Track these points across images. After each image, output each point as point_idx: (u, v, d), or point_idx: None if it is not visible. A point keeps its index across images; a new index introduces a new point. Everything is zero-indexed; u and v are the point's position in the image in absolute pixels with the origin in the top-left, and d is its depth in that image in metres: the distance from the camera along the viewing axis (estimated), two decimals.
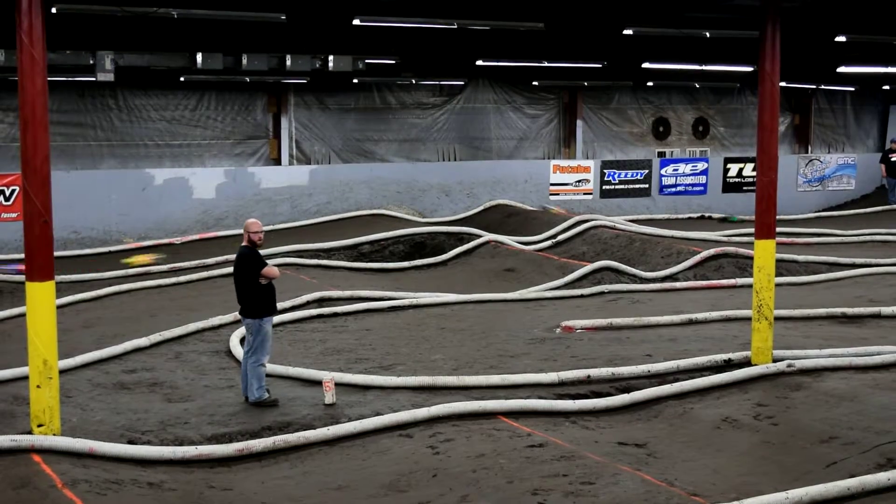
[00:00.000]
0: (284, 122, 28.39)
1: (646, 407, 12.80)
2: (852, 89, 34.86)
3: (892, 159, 32.67)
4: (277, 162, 28.38)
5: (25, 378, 11.82)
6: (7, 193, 24.30)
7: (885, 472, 10.19)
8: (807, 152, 35.11)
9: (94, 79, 23.87)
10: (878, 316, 17.48)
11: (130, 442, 11.38)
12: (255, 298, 13.08)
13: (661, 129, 33.53)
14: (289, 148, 28.46)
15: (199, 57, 24.52)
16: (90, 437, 11.26)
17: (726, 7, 15.24)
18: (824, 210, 33.24)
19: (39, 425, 11.18)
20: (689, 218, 30.41)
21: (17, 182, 23.30)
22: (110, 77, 23.65)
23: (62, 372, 12.29)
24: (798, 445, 11.52)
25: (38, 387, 11.21)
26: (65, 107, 25.35)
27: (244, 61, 25.20)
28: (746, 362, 14.20)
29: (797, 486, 9.81)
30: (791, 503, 9.48)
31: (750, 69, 28.81)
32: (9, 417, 12.28)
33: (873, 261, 22.78)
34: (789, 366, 13.94)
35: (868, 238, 26.41)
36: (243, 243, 13.25)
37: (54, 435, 11.15)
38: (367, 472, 10.76)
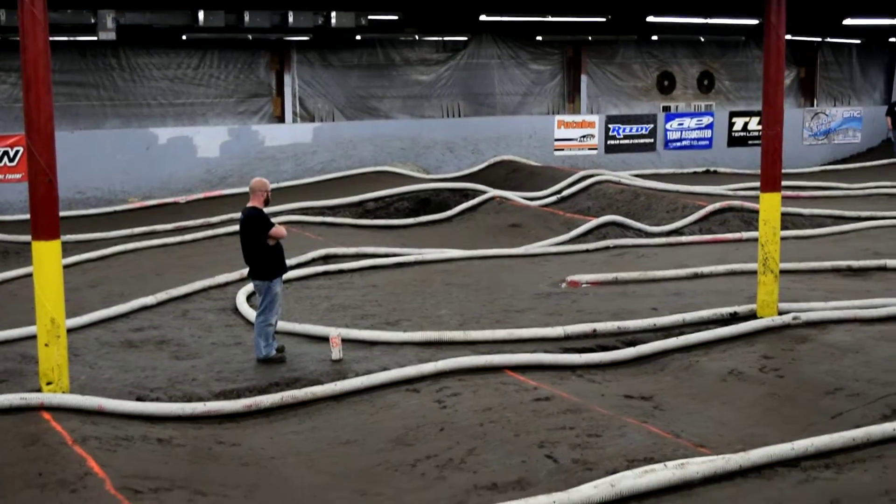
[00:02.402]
0: (287, 80, 28.34)
1: (651, 360, 12.85)
2: (858, 42, 34.72)
3: None
4: (281, 120, 28.37)
5: (33, 337, 11.88)
6: (11, 154, 24.32)
7: (891, 423, 10.24)
8: (812, 106, 35.02)
9: (95, 38, 23.85)
10: (883, 269, 17.49)
11: (139, 399, 11.45)
12: (264, 260, 13.08)
13: (665, 83, 33.45)
14: (292, 106, 28.43)
15: (200, 14, 24.47)
16: (99, 395, 11.34)
17: None
18: (830, 163, 33.17)
19: (48, 383, 11.26)
20: (695, 172, 30.38)
21: (21, 143, 23.33)
22: (112, 36, 23.62)
23: (70, 331, 12.34)
24: (803, 397, 11.57)
25: (46, 345, 11.27)
26: (67, 67, 25.32)
27: (246, 18, 25.15)
28: (752, 315, 14.23)
29: (803, 437, 9.86)
30: (797, 454, 9.54)
31: (755, 22, 28.76)
32: (18, 376, 12.36)
33: (879, 214, 22.79)
34: (795, 318, 13.98)
35: (874, 191, 26.41)
36: (249, 203, 13.17)
37: (63, 393, 11.25)
38: (374, 427, 10.83)
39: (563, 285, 16.89)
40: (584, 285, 16.83)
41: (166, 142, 26.43)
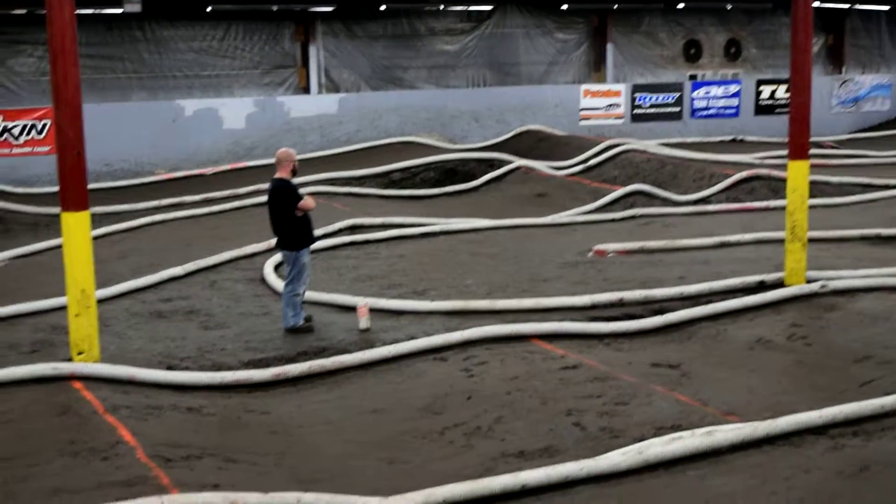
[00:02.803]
0: (313, 51, 28.34)
1: (679, 329, 12.82)
2: (887, 8, 34.44)
3: None
4: (306, 91, 28.39)
5: (64, 308, 11.94)
6: (39, 127, 24.43)
7: None
8: (840, 73, 34.79)
9: (121, 10, 23.89)
10: None
11: (169, 368, 11.54)
12: (292, 230, 13.12)
13: (692, 51, 33.28)
14: (318, 77, 28.44)
15: None
16: (129, 365, 11.42)
17: None
18: (859, 131, 32.98)
19: (79, 353, 11.34)
20: (722, 141, 30.26)
21: (49, 116, 23.42)
22: (137, 8, 23.67)
23: (99, 301, 12.42)
24: (832, 365, 11.55)
25: (76, 315, 11.35)
26: (93, 40, 25.38)
27: None
28: (780, 283, 14.20)
29: (831, 404, 9.84)
30: (825, 422, 9.53)
31: None
32: (49, 346, 12.47)
33: None
34: (823, 286, 13.94)
35: None
36: (277, 175, 13.20)
37: (94, 362, 11.33)
38: (402, 396, 10.88)
39: (590, 254, 16.88)
40: (610, 254, 16.83)
41: (192, 114, 26.51)
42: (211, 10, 26.43)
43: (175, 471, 8.69)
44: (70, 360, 11.38)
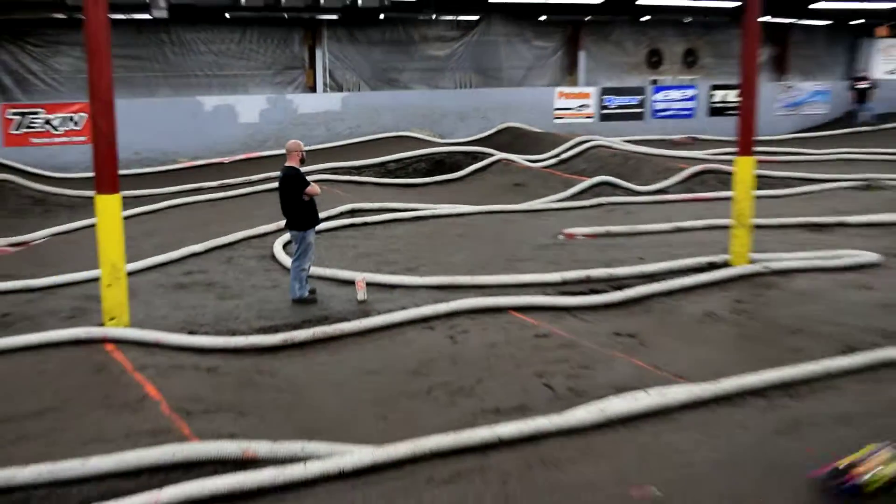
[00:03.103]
0: (319, 54, 28.31)
1: (637, 303, 12.89)
2: (825, 24, 34.47)
3: (859, 86, 32.53)
4: (313, 90, 28.37)
5: (97, 279, 11.98)
6: (75, 119, 24.39)
7: (845, 358, 10.34)
8: (784, 80, 34.82)
9: (149, 16, 23.83)
10: (843, 224, 17.50)
11: (190, 333, 11.57)
12: (299, 213, 13.16)
13: (654, 59, 33.30)
14: (323, 77, 28.42)
15: None
16: (155, 329, 11.48)
17: None
18: (800, 132, 33.04)
19: (111, 319, 11.40)
20: (678, 139, 30.23)
21: (85, 109, 23.40)
22: (164, 14, 23.60)
23: (129, 274, 12.45)
24: (770, 336, 11.64)
25: (108, 286, 11.41)
26: (124, 42, 25.31)
27: None
28: (726, 264, 14.29)
29: (769, 370, 9.97)
30: (763, 384, 9.63)
31: (735, 4, 28.54)
32: (84, 313, 12.51)
33: (841, 176, 22.73)
34: (764, 267, 14.05)
35: (837, 157, 26.33)
36: (287, 163, 13.23)
37: (124, 327, 11.40)
38: (395, 359, 10.94)
39: (561, 237, 16.94)
40: (579, 237, 16.89)
41: (212, 109, 26.47)
42: (229, 17, 26.38)
43: (195, 423, 8.76)
44: (103, 325, 11.44)
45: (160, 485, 7.49)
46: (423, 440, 8.21)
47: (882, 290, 13.29)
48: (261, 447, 8.07)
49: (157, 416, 8.86)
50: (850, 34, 35.70)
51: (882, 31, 34.94)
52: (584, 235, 16.97)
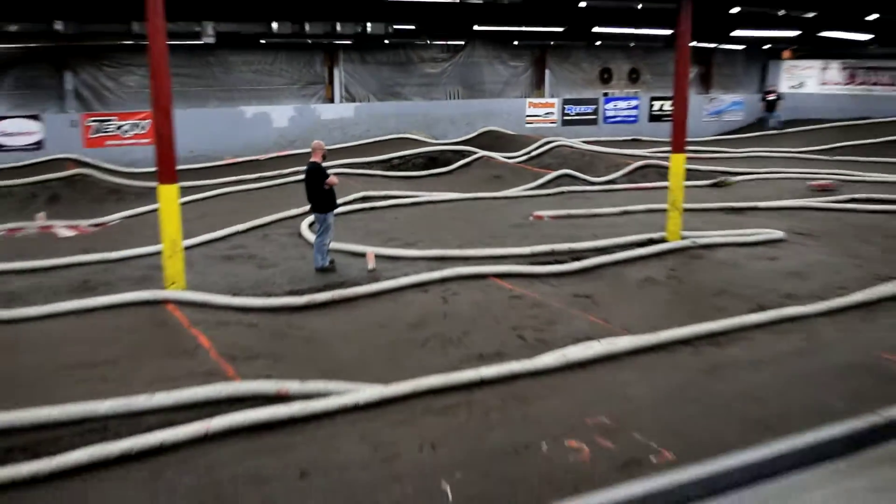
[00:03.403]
0: (336, 72, 28.19)
1: (592, 271, 12.94)
2: (742, 48, 34.39)
3: (769, 98, 32.57)
4: (331, 101, 28.25)
5: (159, 253, 12.01)
6: (142, 125, 24.29)
7: (756, 315, 10.40)
8: (709, 93, 34.79)
9: (200, 42, 23.71)
10: (755, 208, 17.56)
11: (234, 295, 11.58)
12: (322, 199, 13.16)
13: (605, 76, 33.19)
14: (339, 91, 28.31)
15: (274, 25, 24.33)
16: (206, 292, 11.49)
17: None
18: (721, 134, 33.03)
19: (171, 284, 11.41)
20: (625, 140, 30.28)
21: (149, 117, 23.31)
22: (212, 40, 23.49)
23: (185, 248, 12.45)
24: (697, 297, 11.73)
25: (169, 258, 11.42)
26: (179, 63, 25.13)
27: (306, 27, 24.99)
28: (663, 240, 14.35)
29: (696, 323, 10.02)
30: (691, 335, 9.68)
31: (670, 32, 28.45)
32: (149, 280, 12.50)
33: (754, 170, 22.78)
34: (693, 242, 14.11)
35: (751, 154, 26.37)
36: (311, 159, 13.23)
37: (181, 290, 11.41)
38: (398, 315, 10.98)
39: (531, 219, 16.94)
40: (545, 218, 16.91)
41: (251, 116, 26.36)
42: (264, 43, 26.23)
43: (239, 366, 8.79)
44: (165, 288, 11.45)
45: (210, 415, 7.52)
46: (420, 380, 8.26)
47: (785, 260, 13.37)
48: (291, 385, 8.11)
49: (208, 361, 8.88)
50: (762, 56, 35.64)
51: (787, 54, 34.99)
52: (549, 217, 16.97)
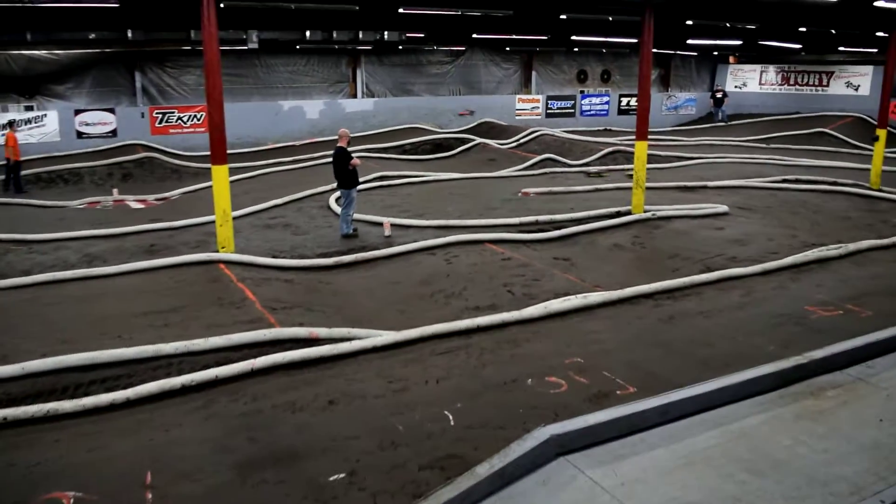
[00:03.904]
0: (359, 73, 27.92)
1: (569, 238, 12.90)
2: (695, 54, 34.01)
3: (717, 96, 32.32)
4: (354, 96, 28.02)
5: (212, 222, 11.98)
6: (198, 116, 24.15)
7: (705, 274, 10.37)
8: (668, 91, 34.49)
9: (245, 48, 23.49)
10: (705, 187, 17.46)
11: (274, 257, 11.58)
12: (346, 177, 13.08)
13: (582, 76, 32.85)
14: (361, 88, 28.07)
15: (307, 33, 24.06)
16: (251, 254, 11.49)
17: (621, 3, 15.03)
18: (678, 125, 32.79)
19: (222, 247, 11.40)
20: (597, 130, 30.08)
21: (204, 109, 23.17)
22: (255, 46, 23.25)
23: (234, 218, 12.45)
24: (656, 259, 11.68)
25: (220, 226, 11.40)
26: (228, 65, 24.91)
27: (334, 35, 24.71)
28: (629, 213, 14.28)
29: (655, 281, 10.01)
30: (652, 291, 9.67)
31: (635, 41, 28.12)
32: (204, 244, 12.49)
33: (704, 156, 22.62)
34: (653, 215, 14.04)
35: (702, 142, 26.19)
36: (338, 144, 13.16)
37: (231, 253, 11.40)
38: (409, 274, 10.96)
39: (519, 195, 16.88)
40: (531, 195, 16.84)
41: (288, 109, 26.16)
42: (299, 48, 26.01)
43: (278, 315, 8.79)
44: (217, 251, 11.45)
45: (256, 355, 7.53)
46: (427, 327, 8.27)
47: (729, 230, 13.32)
48: (321, 331, 8.12)
49: (253, 311, 8.89)
50: (712, 61, 35.27)
51: (732, 59, 34.63)
52: (534, 193, 16.91)
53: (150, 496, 5.25)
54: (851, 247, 11.69)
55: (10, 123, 19.45)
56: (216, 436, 6.09)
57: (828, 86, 30.65)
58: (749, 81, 33.92)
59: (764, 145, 25.28)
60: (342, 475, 5.46)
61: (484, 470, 4.63)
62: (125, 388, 6.92)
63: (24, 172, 19.10)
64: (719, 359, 7.40)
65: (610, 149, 22.71)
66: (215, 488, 5.36)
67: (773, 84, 32.94)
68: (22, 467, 5.66)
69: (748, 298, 9.46)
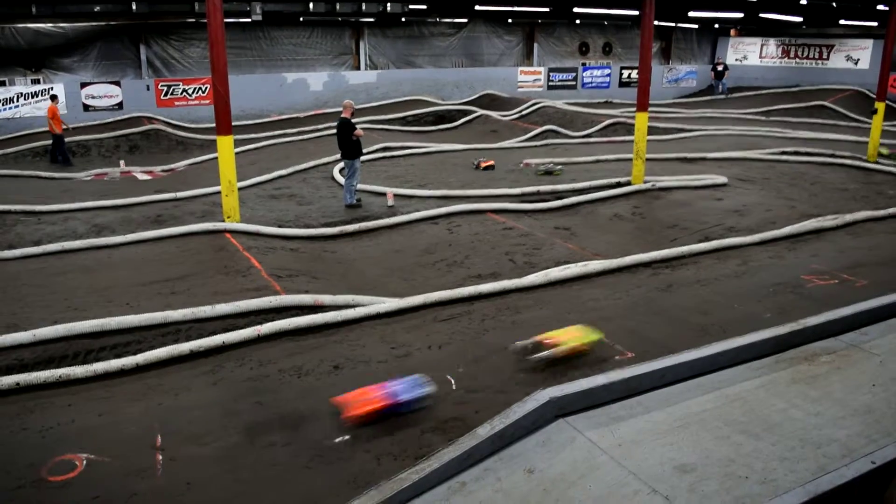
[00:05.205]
0: (362, 45, 27.70)
1: (570, 208, 12.90)
2: (696, 26, 33.67)
3: (717, 69, 32.04)
4: (357, 68, 27.83)
5: (218, 192, 11.96)
6: (203, 89, 24.02)
7: (703, 244, 10.37)
8: (668, 63, 34.20)
9: (249, 20, 23.30)
10: (704, 158, 17.39)
11: (279, 226, 11.59)
12: (350, 148, 13.03)
13: (583, 48, 32.57)
14: (364, 60, 27.86)
15: (311, 4, 23.83)
16: (256, 224, 11.49)
17: None
18: (678, 97, 32.56)
19: (228, 217, 11.40)
20: (599, 102, 29.88)
21: (209, 82, 23.04)
22: (259, 18, 23.04)
23: (239, 189, 12.43)
24: (655, 229, 11.68)
25: (226, 196, 11.38)
26: (233, 37, 24.70)
27: (337, 7, 24.48)
28: (629, 183, 14.24)
29: (654, 250, 10.02)
30: (650, 260, 9.68)
31: (637, 13, 27.86)
32: (210, 214, 12.50)
33: (704, 127, 22.50)
34: (653, 185, 14.01)
35: (702, 115, 26.02)
36: (342, 115, 13.11)
37: (236, 222, 11.39)
38: (412, 243, 10.98)
39: (522, 165, 16.83)
40: (532, 165, 16.79)
41: (292, 82, 25.99)
42: (302, 20, 25.79)
43: (283, 283, 8.82)
44: (223, 221, 11.45)
45: (262, 322, 7.57)
46: (430, 294, 8.30)
47: (728, 201, 13.29)
48: (325, 298, 8.15)
49: (259, 279, 8.91)
50: (713, 33, 34.93)
51: (733, 32, 34.29)
52: (536, 164, 16.84)
53: (160, 458, 5.32)
54: (848, 217, 11.67)
55: (53, 97, 19.28)
56: (224, 399, 6.15)
57: (828, 59, 30.38)
58: (750, 54, 33.62)
59: (764, 118, 25.12)
60: (347, 437, 5.52)
61: (485, 431, 4.68)
62: (134, 353, 6.97)
63: (32, 145, 19.06)
64: (716, 325, 7.43)
65: (611, 120, 22.58)
66: (224, 450, 5.42)
67: (773, 57, 32.66)
68: (35, 431, 5.73)
69: (745, 267, 9.47)
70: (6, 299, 8.53)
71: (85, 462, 5.28)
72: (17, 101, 21.01)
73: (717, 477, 4.35)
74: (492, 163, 16.51)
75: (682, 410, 5.13)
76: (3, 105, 20.94)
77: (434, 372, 6.50)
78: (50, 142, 18.58)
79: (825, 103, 26.18)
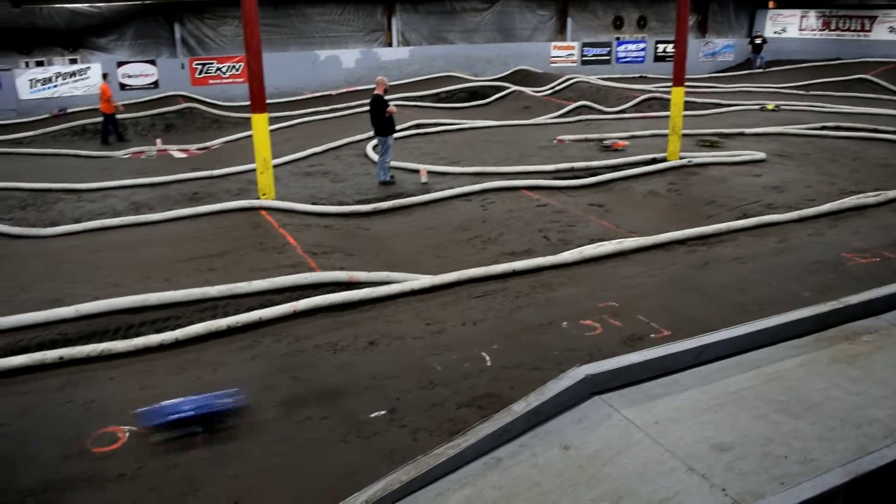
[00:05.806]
0: (394, 21, 27.59)
1: (605, 185, 12.78)
2: None
3: (755, 42, 31.38)
4: (390, 45, 27.75)
5: (254, 170, 12.03)
6: (237, 67, 24.13)
7: (741, 221, 10.22)
8: (705, 37, 33.56)
9: None
10: (742, 134, 17.08)
11: (314, 203, 11.65)
12: (383, 125, 13.03)
13: (618, 22, 32.09)
14: (397, 36, 27.76)
15: None
16: (291, 201, 11.56)
17: None
18: (715, 72, 31.96)
19: (263, 194, 11.48)
20: (633, 77, 29.44)
21: (243, 60, 23.13)
22: None
23: (274, 166, 12.50)
24: (691, 206, 11.53)
25: (261, 173, 11.45)
26: (266, 15, 24.75)
27: None
28: (664, 159, 14.05)
29: (690, 227, 9.90)
30: (686, 237, 9.57)
31: None
32: (246, 191, 12.61)
33: (741, 102, 22.08)
34: (689, 161, 13.80)
35: (739, 89, 25.53)
36: (375, 92, 13.09)
37: (271, 200, 11.47)
38: (446, 219, 10.97)
39: (555, 142, 16.69)
40: (566, 142, 16.63)
41: (324, 59, 26.02)
42: None
43: (318, 259, 8.88)
44: (258, 198, 11.53)
45: (298, 298, 7.63)
46: (464, 271, 8.29)
47: (766, 177, 13.06)
48: (360, 274, 8.18)
49: (294, 255, 8.98)
50: (751, 5, 34.17)
51: (772, 3, 33.53)
52: (570, 140, 16.69)
53: (199, 431, 5.40)
54: (890, 194, 11.39)
55: (105, 76, 19.51)
56: (261, 374, 6.22)
57: (870, 31, 29.55)
58: (789, 27, 32.84)
59: (803, 92, 24.58)
60: (383, 412, 5.56)
61: (520, 407, 4.67)
62: (174, 329, 7.08)
63: (71, 124, 19.33)
64: (753, 304, 7.33)
65: (646, 96, 22.26)
66: (261, 424, 5.50)
67: (813, 29, 31.86)
68: (80, 403, 5.86)
69: (784, 245, 9.31)
70: (49, 275, 8.70)
71: (127, 434, 5.39)
72: (56, 80, 21.28)
73: (755, 456, 4.30)
74: (625, 144, 15.87)
75: (719, 389, 5.07)
76: (42, 84, 21.26)
77: (469, 348, 6.51)
78: (100, 119, 18.74)
79: (867, 76, 25.52)
